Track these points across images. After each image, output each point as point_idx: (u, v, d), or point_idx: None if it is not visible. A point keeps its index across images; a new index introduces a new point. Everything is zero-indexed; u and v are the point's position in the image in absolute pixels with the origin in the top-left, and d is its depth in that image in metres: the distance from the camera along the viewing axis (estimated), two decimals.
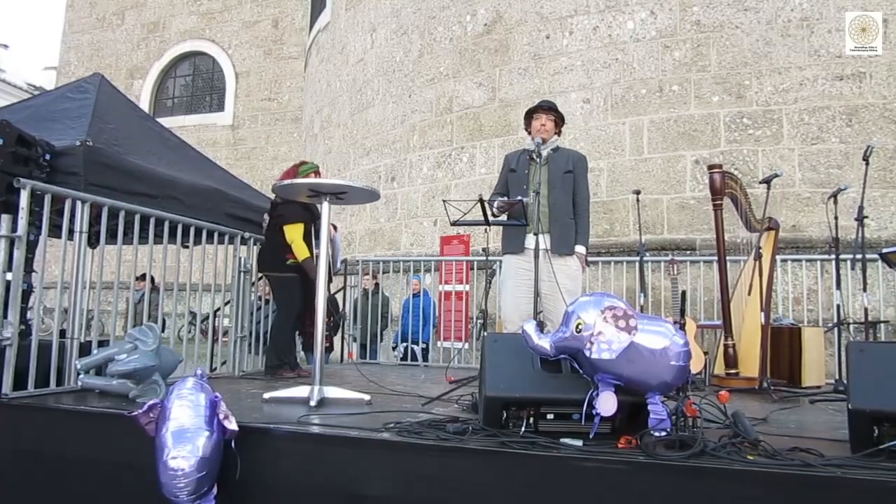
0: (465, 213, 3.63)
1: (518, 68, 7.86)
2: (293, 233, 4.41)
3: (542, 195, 3.67)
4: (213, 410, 2.38)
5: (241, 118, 18.04)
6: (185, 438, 2.26)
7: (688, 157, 6.82)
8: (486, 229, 3.82)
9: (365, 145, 9.76)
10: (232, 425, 2.36)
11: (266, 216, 4.71)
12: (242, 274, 4.91)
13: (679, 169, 6.83)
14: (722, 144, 6.72)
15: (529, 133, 3.98)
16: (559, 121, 3.94)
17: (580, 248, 3.70)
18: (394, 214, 8.96)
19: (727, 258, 4.35)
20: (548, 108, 3.90)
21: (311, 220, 4.45)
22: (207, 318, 6.59)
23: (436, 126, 8.58)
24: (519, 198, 3.52)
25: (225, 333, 5.36)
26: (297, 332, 4.78)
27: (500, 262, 4.12)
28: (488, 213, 3.72)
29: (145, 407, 2.39)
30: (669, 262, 5.27)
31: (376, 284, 7.48)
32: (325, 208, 3.30)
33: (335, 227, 4.59)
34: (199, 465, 2.23)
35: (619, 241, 6.89)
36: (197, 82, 19.14)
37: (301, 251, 4.40)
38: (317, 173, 4.58)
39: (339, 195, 3.28)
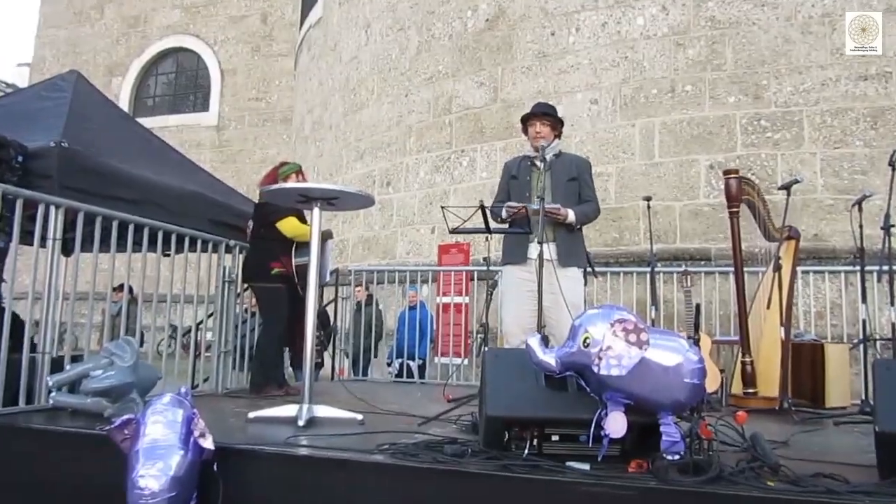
0: (464, 221, 3.63)
1: (521, 67, 7.89)
2: (292, 225, 4.40)
3: (546, 203, 3.68)
4: (188, 428, 2.36)
5: (227, 119, 18.09)
6: (156, 456, 2.24)
7: (702, 161, 6.83)
8: (487, 238, 3.82)
9: (358, 148, 9.77)
10: (207, 444, 2.34)
11: (250, 223, 4.70)
12: (227, 284, 4.90)
13: (692, 174, 6.84)
14: (738, 148, 6.74)
15: (528, 137, 3.99)
16: (557, 123, 3.95)
17: (571, 213, 3.71)
18: (389, 221, 8.97)
19: (744, 269, 4.35)
20: (541, 112, 3.90)
21: (300, 215, 4.45)
22: (189, 331, 6.57)
23: (434, 128, 8.60)
24: (542, 201, 3.52)
25: (208, 348, 5.34)
26: (285, 348, 4.77)
27: (502, 272, 4.12)
28: (489, 220, 3.72)
29: (119, 422, 2.37)
30: (682, 274, 5.27)
31: (370, 296, 7.46)
32: (315, 214, 3.30)
33: (330, 235, 4.57)
34: (170, 486, 2.21)
35: (629, 251, 6.89)
36: (180, 80, 19.20)
37: (306, 232, 4.35)
38: (299, 174, 4.59)
39: (331, 201, 3.28)
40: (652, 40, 7.19)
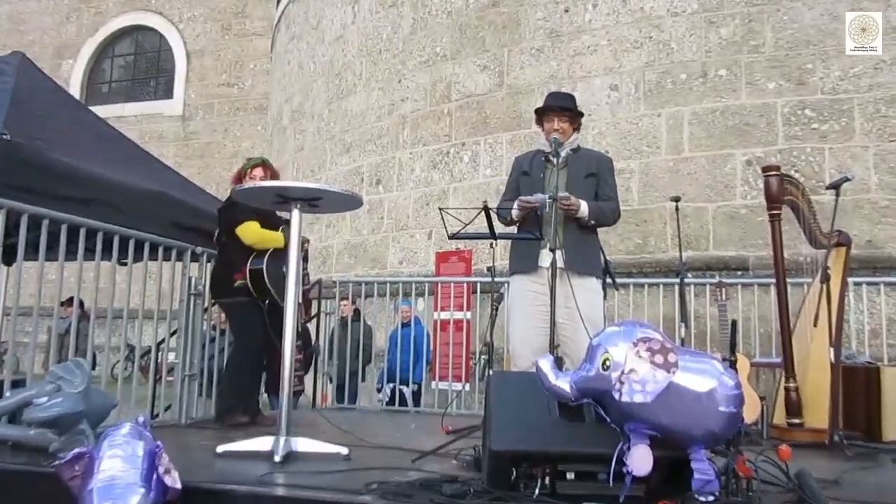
0: (466, 225, 3.62)
1: (530, 48, 7.91)
2: (251, 230, 4.42)
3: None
4: (151, 463, 2.35)
5: (194, 107, 18.14)
6: (113, 496, 2.22)
7: (738, 156, 6.85)
8: (491, 244, 3.81)
9: (344, 140, 9.79)
10: (174, 483, 2.33)
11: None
12: (192, 297, 4.89)
13: (727, 171, 6.86)
14: (780, 141, 6.76)
15: (543, 130, 3.99)
16: (576, 117, 3.96)
17: (584, 204, 3.71)
18: (379, 225, 8.97)
19: (787, 281, 4.34)
20: (560, 108, 3.91)
21: (263, 219, 4.46)
22: (149, 352, 6.55)
23: (431, 118, 8.62)
24: (544, 196, 3.51)
25: (170, 371, 5.33)
26: (260, 370, 4.76)
27: (509, 283, 4.11)
28: (495, 223, 3.72)
29: (69, 456, 2.36)
30: (716, 285, 5.26)
31: (357, 311, 7.44)
32: (294, 217, 3.29)
33: (307, 241, 4.59)
34: None
35: (655, 259, 6.90)
36: (140, 63, 19.26)
37: (270, 239, 4.42)
38: (264, 168, 4.61)
39: (313, 201, 3.28)
40: (680, 18, 7.22)
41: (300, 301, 4.53)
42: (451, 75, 8.50)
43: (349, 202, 3.39)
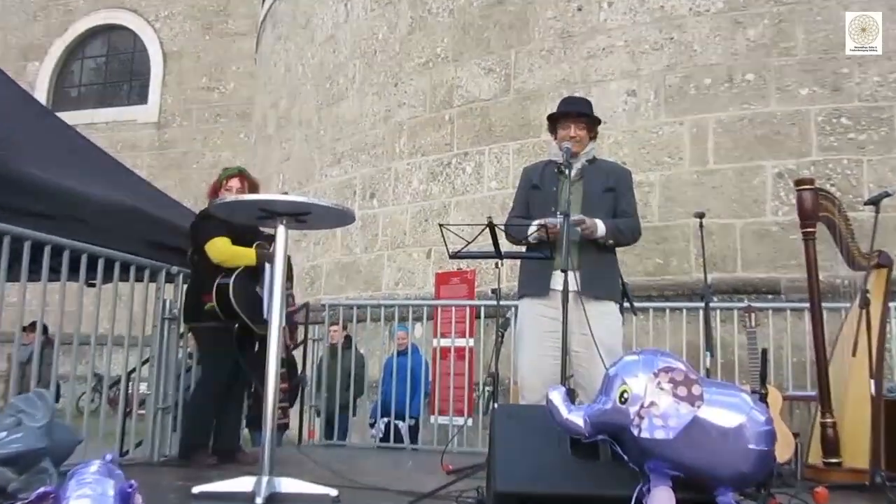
0: (468, 242, 3.63)
1: (540, 49, 7.96)
2: (218, 248, 4.42)
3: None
4: None
5: (171, 113, 18.22)
6: None
7: (768, 168, 6.86)
8: (497, 263, 3.82)
9: (335, 150, 9.82)
10: None
11: None
12: (167, 322, 4.88)
13: (756, 184, 6.87)
14: (814, 152, 6.77)
15: (556, 138, 4.01)
16: (594, 124, 3.98)
17: (601, 224, 3.70)
18: (373, 243, 8.98)
19: (823, 305, 4.33)
20: (577, 114, 3.92)
21: (236, 234, 4.47)
22: (118, 382, 6.53)
23: (430, 125, 8.65)
24: (565, 217, 3.50)
25: (141, 404, 5.31)
26: (228, 401, 4.74)
27: (517, 307, 4.10)
28: (501, 241, 3.72)
29: (32, 497, 2.35)
30: (745, 310, 5.25)
31: (348, 338, 7.43)
32: (280, 234, 3.30)
33: (270, 258, 4.57)
34: None
35: (677, 281, 6.89)
36: (112, 66, 19.37)
37: (240, 256, 4.44)
38: (241, 178, 4.63)
39: (300, 217, 3.28)
40: (703, 17, 7.26)
41: (283, 325, 4.53)
42: (453, 79, 8.54)
43: (340, 217, 3.39)
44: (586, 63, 7.68)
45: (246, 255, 4.45)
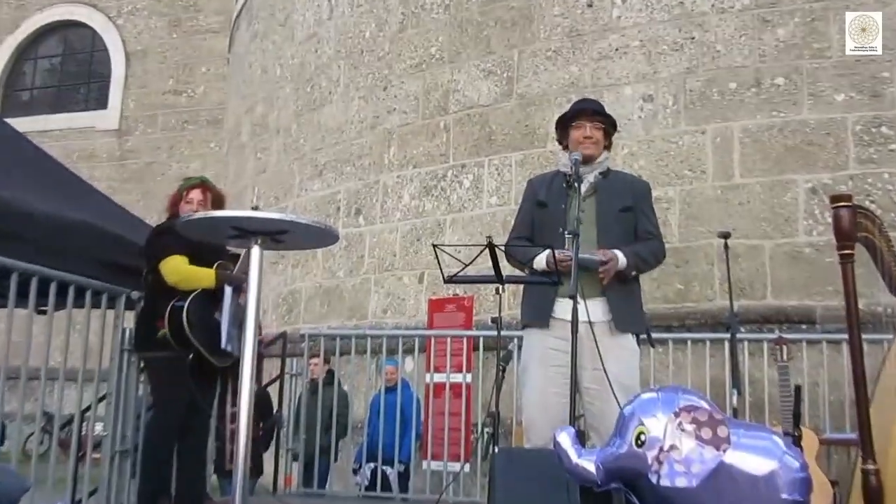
0: (466, 265, 3.62)
1: (546, 50, 8.00)
2: (174, 267, 4.41)
3: (588, 240, 3.67)
4: None
5: (133, 120, 18.24)
6: None
7: (800, 183, 6.88)
8: (498, 289, 3.80)
9: (317, 161, 9.83)
10: None
11: None
12: (126, 354, 4.86)
13: (788, 201, 6.88)
14: (851, 165, 6.79)
15: (565, 147, 4.01)
16: (610, 129, 3.99)
17: (621, 256, 3.69)
18: (358, 265, 8.96)
19: (863, 336, 4.32)
20: (593, 112, 3.94)
21: (195, 254, 4.46)
22: (71, 422, 6.48)
23: (423, 133, 8.67)
24: (575, 236, 3.48)
25: (97, 447, 5.27)
26: (208, 442, 4.72)
27: (520, 339, 4.09)
28: (502, 264, 3.71)
29: None
30: (776, 342, 5.24)
31: (330, 372, 7.40)
32: (255, 256, 3.28)
33: (239, 280, 4.55)
34: None
35: (699, 309, 6.88)
36: (68, 67, 19.41)
37: (198, 277, 4.44)
38: (204, 189, 4.64)
39: (277, 236, 3.26)
40: (728, 15, 7.31)
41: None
42: (449, 82, 8.57)
43: (322, 237, 3.38)
44: (597, 65, 7.71)
45: (204, 276, 4.44)
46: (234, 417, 4.74)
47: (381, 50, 9.25)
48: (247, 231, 3.23)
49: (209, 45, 17.85)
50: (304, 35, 10.55)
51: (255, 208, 4.54)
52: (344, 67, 9.69)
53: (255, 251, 3.27)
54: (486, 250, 3.60)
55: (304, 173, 10.04)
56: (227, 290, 4.50)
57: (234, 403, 4.77)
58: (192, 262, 4.46)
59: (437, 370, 7.01)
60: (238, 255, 4.58)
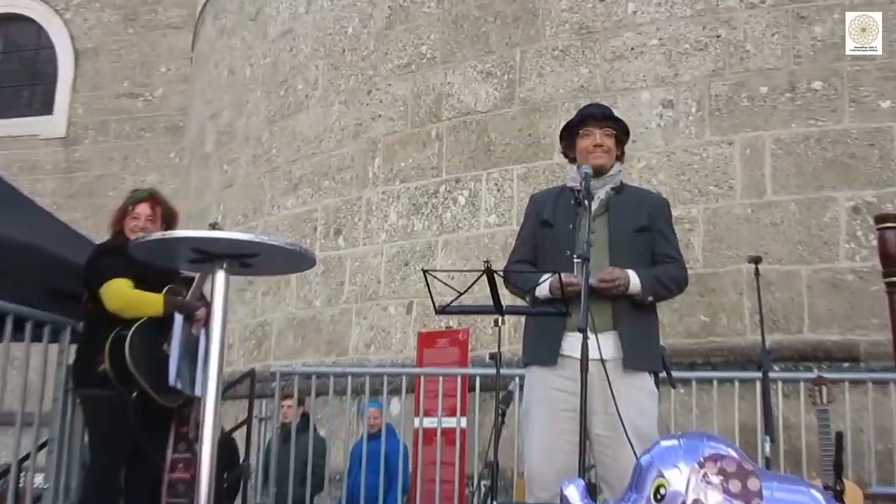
0: (460, 294, 3.61)
1: (552, 49, 8.03)
2: (116, 292, 4.39)
3: (599, 265, 3.66)
4: None
5: (82, 127, 18.24)
6: None
7: (841, 201, 6.89)
8: (497, 321, 3.79)
9: (291, 174, 9.83)
10: None
11: None
12: (70, 395, 4.83)
13: (827, 221, 6.89)
14: None
15: (571, 160, 4.01)
16: (622, 137, 4.00)
17: (634, 277, 3.66)
18: (338, 293, 8.94)
19: None
20: (603, 116, 3.95)
21: (142, 277, 4.44)
22: (7, 472, 6.45)
23: (413, 143, 8.68)
24: (584, 260, 3.47)
25: (38, 500, 5.24)
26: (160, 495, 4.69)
27: (523, 378, 4.07)
28: (502, 292, 3.71)
29: None
30: (814, 383, 5.24)
31: (304, 416, 7.36)
32: (219, 282, 3.27)
33: (190, 308, 4.54)
34: None
35: (726, 345, 6.88)
36: (9, 66, 19.41)
37: (144, 303, 4.42)
38: (153, 203, 4.64)
39: (245, 260, 3.26)
40: (758, 10, 7.35)
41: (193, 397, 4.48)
42: (442, 85, 8.59)
43: (296, 260, 3.37)
44: (610, 66, 7.74)
45: (151, 302, 4.43)
46: (175, 465, 4.71)
47: (365, 48, 9.28)
48: (211, 254, 3.22)
49: (170, 42, 17.88)
50: (278, 31, 10.58)
51: (214, 225, 4.51)
52: (323, 68, 9.72)
53: (220, 277, 3.26)
54: (484, 276, 3.60)
55: (277, 188, 10.04)
56: (178, 318, 4.48)
57: (176, 448, 4.73)
58: (138, 285, 4.44)
59: (427, 414, 6.98)
60: (191, 279, 4.56)
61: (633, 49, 7.69)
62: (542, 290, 3.71)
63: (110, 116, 18.11)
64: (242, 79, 11.28)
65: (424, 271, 3.76)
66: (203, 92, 12.88)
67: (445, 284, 3.67)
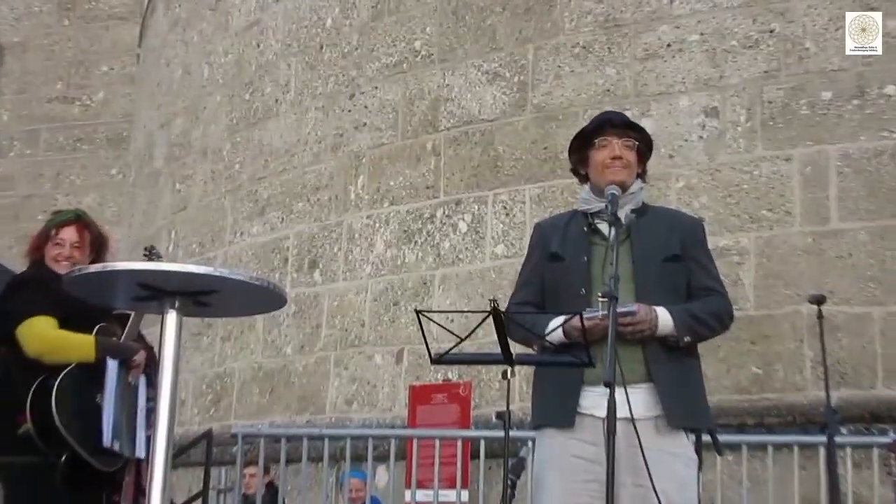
0: (461, 340, 3.60)
1: (572, 45, 8.05)
2: (38, 333, 4.39)
3: (625, 301, 3.65)
4: None
5: (6, 136, 18.25)
6: None
7: None
8: (506, 372, 3.78)
9: (258, 195, 9.83)
10: None
11: None
12: None
13: None
14: None
15: (583, 177, 4.02)
16: (644, 149, 4.00)
17: (664, 314, 3.63)
18: (312, 339, 8.92)
19: None
20: (621, 123, 3.96)
21: (70, 314, 4.43)
22: None
23: (404, 158, 8.69)
24: (611, 299, 3.44)
25: None
26: None
27: (534, 441, 4.06)
28: (511, 337, 3.70)
29: None
30: (890, 449, 5.22)
31: (271, 487, 7.34)
32: (170, 324, 3.27)
33: (124, 353, 4.53)
34: None
35: (784, 403, 6.86)
36: None
37: (71, 346, 4.39)
38: (80, 227, 4.63)
39: (201, 297, 3.26)
40: (820, 1, 7.36)
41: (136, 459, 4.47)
42: (440, 88, 8.60)
43: (263, 299, 3.37)
44: (642, 67, 7.75)
45: (79, 345, 4.39)
46: None
47: (347, 44, 9.30)
48: (160, 290, 3.23)
49: (113, 36, 17.92)
50: (243, 24, 10.62)
51: (151, 253, 4.47)
52: (296, 67, 9.74)
53: (172, 318, 3.26)
54: (490, 319, 3.59)
55: (240, 211, 10.04)
56: (112, 364, 4.45)
57: None
58: (63, 325, 4.42)
59: (420, 485, 6.96)
60: (125, 316, 4.54)
61: (669, 46, 7.70)
62: (557, 334, 3.69)
63: (40, 124, 18.11)
64: (199, 80, 11.29)
65: (418, 312, 3.76)
66: (152, 95, 12.91)
67: (443, 328, 3.67)
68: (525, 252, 4.17)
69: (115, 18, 17.97)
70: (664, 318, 3.63)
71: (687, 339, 3.70)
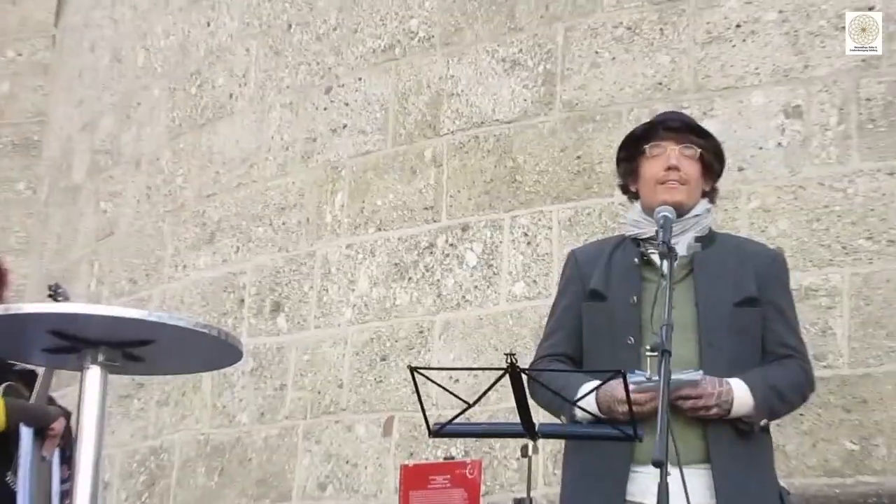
0: (469, 406, 3.62)
1: (612, 26, 8.08)
2: None
3: (682, 359, 3.65)
4: None
5: None
6: None
7: None
8: (525, 449, 3.79)
9: (206, 217, 9.86)
10: None
11: None
12: None
13: None
14: None
15: (633, 195, 4.03)
16: (711, 159, 4.02)
17: (742, 392, 3.62)
18: (275, 404, 8.93)
19: None
20: (682, 125, 3.97)
21: None
22: None
23: (396, 169, 8.72)
24: (663, 354, 3.43)
25: None
26: None
27: None
28: (532, 404, 3.71)
29: None
30: None
31: None
32: (90, 381, 3.28)
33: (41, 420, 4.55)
34: None
35: (886, 488, 6.85)
36: None
37: None
38: None
39: (132, 349, 3.27)
40: None
41: None
42: (442, 80, 8.64)
43: (212, 352, 3.38)
44: (703, 54, 7.79)
45: None
46: None
47: (323, 22, 9.36)
48: (79, 339, 3.24)
49: (22, 13, 18.07)
50: (187, 1, 10.69)
51: (56, 292, 4.49)
52: (257, 52, 9.80)
53: (94, 376, 3.27)
54: (506, 379, 3.60)
55: (183, 238, 10.06)
56: (26, 433, 4.47)
57: None
58: None
59: None
60: (32, 374, 4.57)
61: (738, 27, 7.73)
62: (590, 402, 3.68)
63: None
64: (133, 68, 11.35)
65: (412, 369, 3.76)
66: (72, 89, 12.97)
67: (445, 390, 3.68)
68: (552, 290, 4.18)
69: None
70: (741, 396, 3.63)
71: (764, 422, 3.70)
